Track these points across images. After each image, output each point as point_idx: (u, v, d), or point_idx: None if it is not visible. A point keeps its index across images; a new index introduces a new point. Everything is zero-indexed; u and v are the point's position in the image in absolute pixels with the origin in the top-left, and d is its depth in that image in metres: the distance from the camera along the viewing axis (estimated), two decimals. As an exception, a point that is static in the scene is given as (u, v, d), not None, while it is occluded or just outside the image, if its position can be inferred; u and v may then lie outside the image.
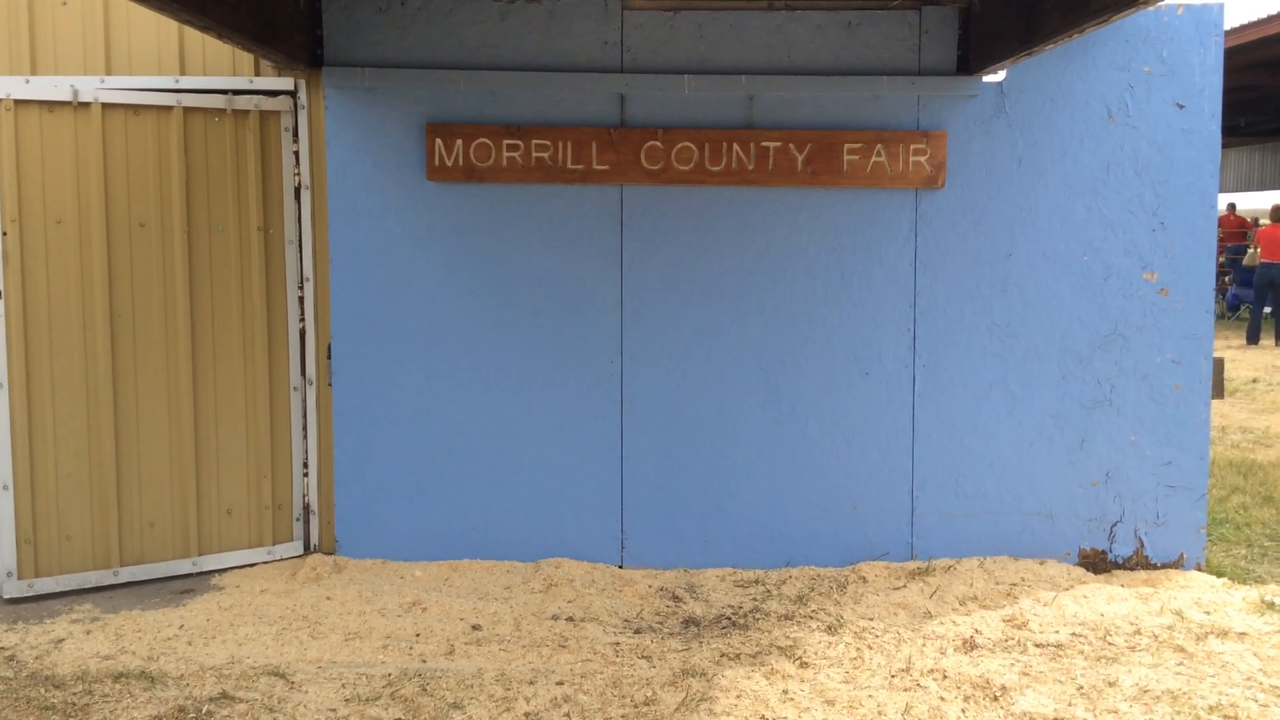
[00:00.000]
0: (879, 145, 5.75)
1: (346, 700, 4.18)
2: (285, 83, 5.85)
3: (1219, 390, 5.97)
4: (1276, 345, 16.17)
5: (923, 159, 5.75)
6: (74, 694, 4.19)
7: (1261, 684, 4.28)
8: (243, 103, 5.78)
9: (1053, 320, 5.83)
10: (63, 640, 4.85)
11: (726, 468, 5.92)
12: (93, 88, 5.52)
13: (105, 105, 5.53)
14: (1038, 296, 5.83)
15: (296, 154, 5.89)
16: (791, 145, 5.75)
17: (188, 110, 5.67)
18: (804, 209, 5.86)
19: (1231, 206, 21.10)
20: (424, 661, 4.68)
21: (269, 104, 5.83)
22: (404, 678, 4.38)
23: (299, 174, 5.90)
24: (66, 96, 5.47)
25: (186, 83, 5.73)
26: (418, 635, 4.96)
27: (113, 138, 5.56)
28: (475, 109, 5.82)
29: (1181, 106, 5.75)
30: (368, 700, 4.18)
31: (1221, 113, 5.77)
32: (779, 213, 5.85)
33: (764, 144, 5.75)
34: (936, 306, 5.85)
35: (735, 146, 5.76)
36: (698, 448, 5.94)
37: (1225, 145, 6.60)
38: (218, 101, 5.73)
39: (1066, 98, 5.77)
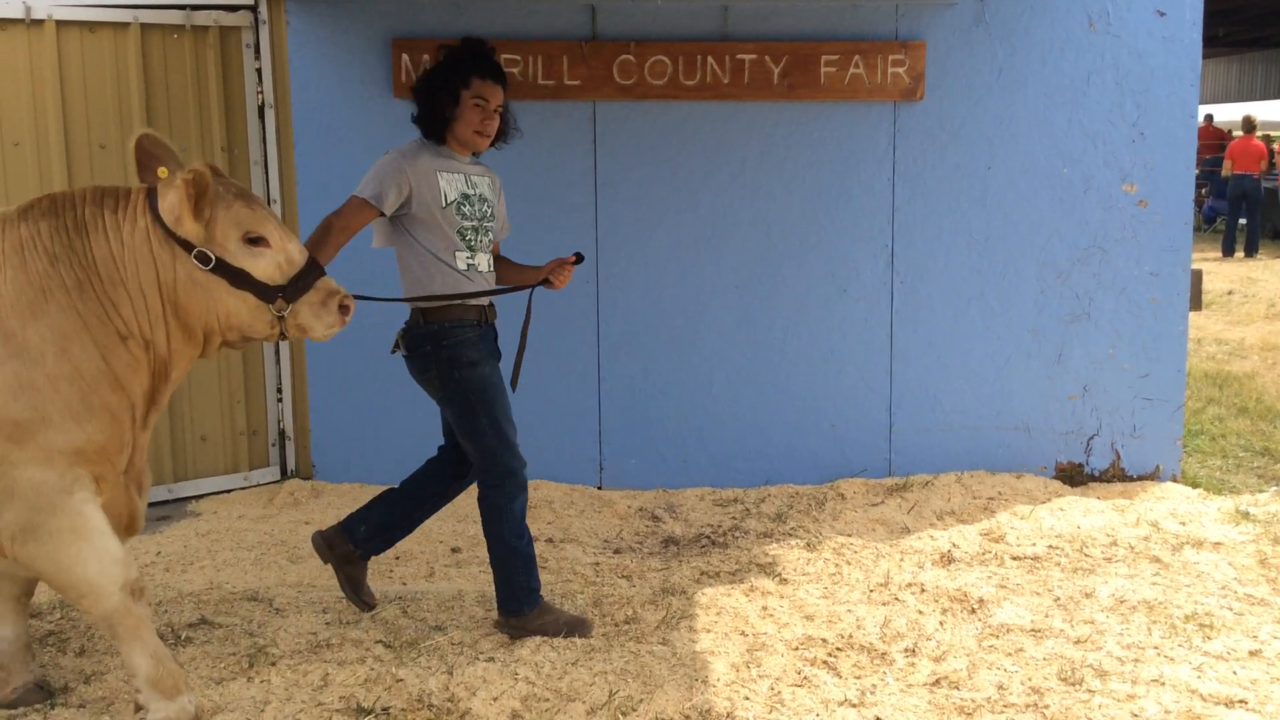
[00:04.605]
0: (857, 56, 5.64)
1: (327, 624, 4.17)
2: (245, -3, 5.67)
3: (1197, 302, 5.97)
4: (1248, 257, 16.23)
5: (901, 70, 5.64)
6: (51, 623, 4.16)
7: (1236, 593, 4.32)
8: (201, 19, 5.59)
9: (1032, 234, 5.79)
10: (38, 570, 4.81)
11: (704, 388, 5.89)
12: (46, 4, 5.32)
13: (59, 22, 5.34)
14: (1017, 210, 5.78)
15: (259, 72, 5.73)
16: (767, 57, 5.63)
17: (145, 26, 5.49)
18: (780, 123, 5.76)
19: (1209, 118, 21.03)
20: (404, 584, 4.68)
21: (229, 19, 5.65)
22: (384, 600, 4.37)
23: (262, 92, 5.74)
24: (19, 14, 5.28)
25: (143, -2, 5.54)
26: (397, 558, 4.94)
27: (69, 56, 5.38)
28: (442, 22, 5.65)
29: (1163, 14, 5.65)
30: (348, 624, 4.17)
31: (1203, 21, 5.69)
32: (755, 128, 5.75)
33: (739, 56, 5.63)
34: (914, 222, 5.79)
35: (710, 59, 5.63)
36: (675, 368, 5.90)
37: (1204, 56, 6.48)
38: (176, 17, 5.54)
39: (1047, 5, 5.65)
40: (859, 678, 3.70)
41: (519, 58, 5.62)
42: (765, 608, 4.31)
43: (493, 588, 4.17)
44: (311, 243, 3.82)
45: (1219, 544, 4.84)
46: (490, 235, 4.13)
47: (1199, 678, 3.60)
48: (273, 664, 3.78)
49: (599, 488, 5.91)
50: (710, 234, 5.81)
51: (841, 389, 5.89)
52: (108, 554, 3.14)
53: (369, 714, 3.44)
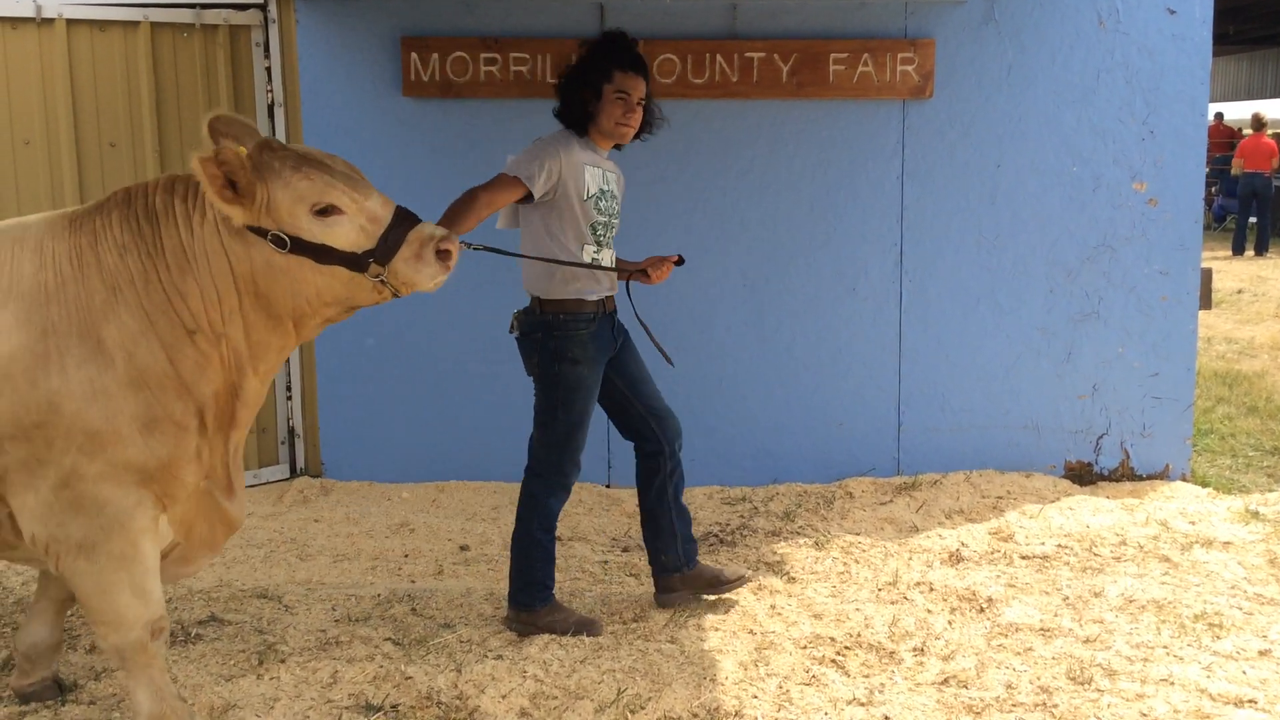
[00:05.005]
0: (865, 55, 5.63)
1: (336, 621, 4.18)
2: (255, -4, 5.69)
3: (1206, 301, 5.94)
4: (1258, 256, 16.17)
5: (910, 68, 5.63)
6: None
7: (1246, 592, 4.31)
8: (211, 17, 5.61)
9: (1041, 232, 5.77)
10: (48, 567, 4.82)
11: (712, 386, 5.89)
12: (57, 2, 5.34)
13: (70, 21, 5.36)
14: (1026, 208, 5.76)
15: (268, 70, 5.74)
16: (776, 56, 5.62)
17: (155, 25, 5.50)
18: (789, 122, 5.75)
19: (1219, 116, 20.93)
20: (413, 582, 4.68)
21: (238, 18, 5.67)
22: (393, 598, 4.38)
23: (271, 91, 5.76)
24: (29, 12, 5.29)
25: (152, -3, 5.56)
26: (406, 556, 4.96)
27: (79, 55, 5.40)
28: (451, 20, 5.66)
29: (1173, 12, 5.63)
30: (358, 621, 4.18)
31: (1213, 19, 5.67)
32: (763, 126, 5.74)
33: (748, 55, 5.63)
34: (923, 220, 5.78)
35: (719, 58, 5.63)
36: (683, 366, 5.86)
37: (1214, 54, 6.45)
38: (185, 16, 5.56)
39: (1056, 3, 5.64)
40: (867, 676, 3.70)
41: (527, 56, 5.62)
42: (773, 606, 4.30)
43: (501, 586, 4.18)
44: (452, 211, 3.81)
45: (1228, 543, 4.82)
46: (614, 233, 4.16)
47: (1208, 677, 3.59)
48: (282, 661, 3.80)
49: (607, 486, 5.91)
50: (718, 232, 5.80)
51: (850, 388, 5.88)
52: (143, 590, 3.05)
53: (378, 711, 3.45)
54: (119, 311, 2.96)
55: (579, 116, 4.03)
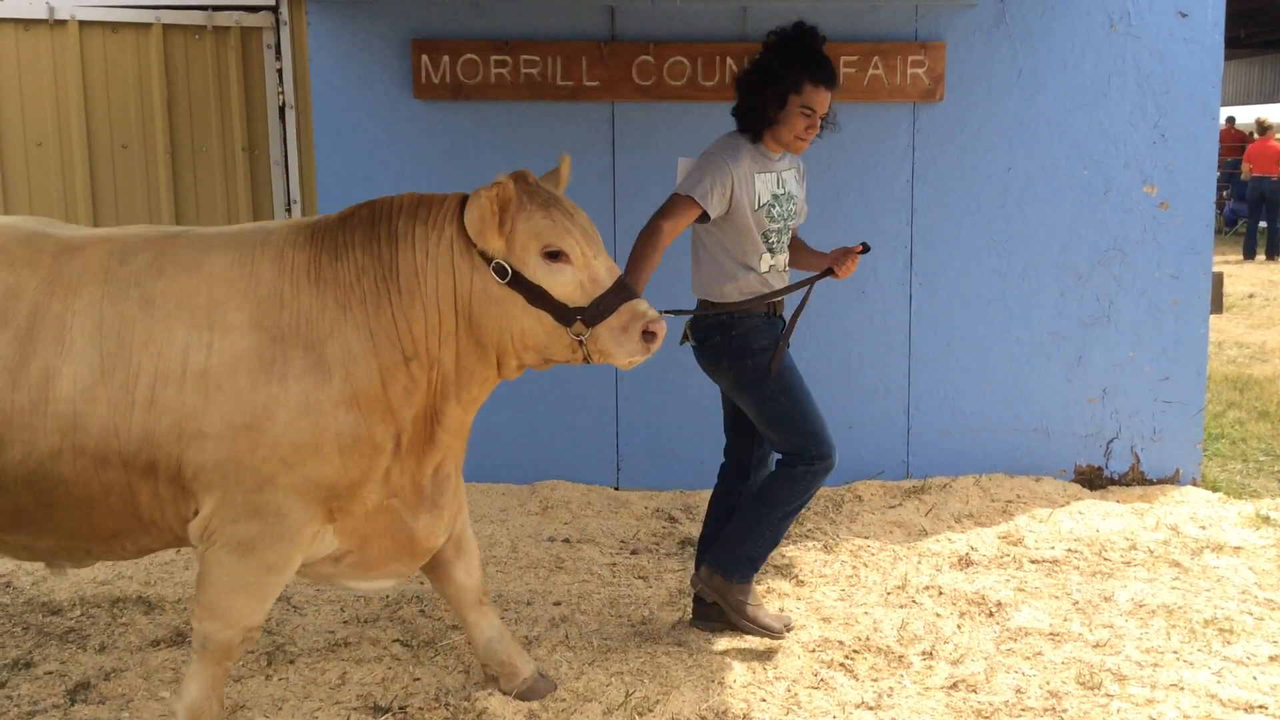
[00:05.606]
0: (876, 57, 5.62)
1: (345, 622, 4.18)
2: (266, -2, 5.72)
3: (1218, 305, 5.92)
4: (1269, 260, 16.11)
5: (920, 71, 5.63)
6: (72, 620, 4.19)
7: (1256, 597, 4.30)
8: (223, 19, 5.63)
9: (1051, 235, 5.76)
10: (59, 566, 4.84)
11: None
12: (69, 4, 5.37)
13: (82, 23, 5.39)
14: (1036, 212, 5.75)
15: (280, 72, 5.77)
16: (787, 59, 5.61)
17: (167, 27, 5.53)
18: (799, 124, 5.74)
19: (1230, 120, 20.85)
20: (422, 583, 4.68)
21: (250, 20, 5.69)
22: (402, 600, 4.38)
23: (283, 93, 5.78)
24: (42, 14, 5.33)
25: (165, -1, 5.59)
26: (414, 558, 4.96)
27: (91, 57, 5.43)
28: (462, 23, 5.67)
29: (1184, 15, 5.62)
30: (366, 622, 4.18)
31: (1224, 22, 5.65)
32: (774, 128, 5.73)
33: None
34: (933, 223, 5.77)
35: (729, 60, 5.62)
36: (692, 368, 5.87)
37: (1225, 57, 6.45)
38: (197, 18, 5.59)
39: (1067, 6, 5.63)
40: (876, 680, 3.69)
41: (538, 58, 5.63)
42: (782, 609, 4.30)
43: (509, 588, 4.18)
44: (641, 248, 3.72)
45: (1239, 548, 4.81)
46: (790, 234, 4.06)
47: (1218, 683, 3.58)
48: (291, 662, 3.80)
49: (616, 488, 5.91)
50: (728, 235, 5.79)
51: (859, 390, 5.87)
52: (266, 599, 3.09)
53: (386, 712, 3.45)
54: (345, 330, 3.00)
55: (756, 121, 3.86)
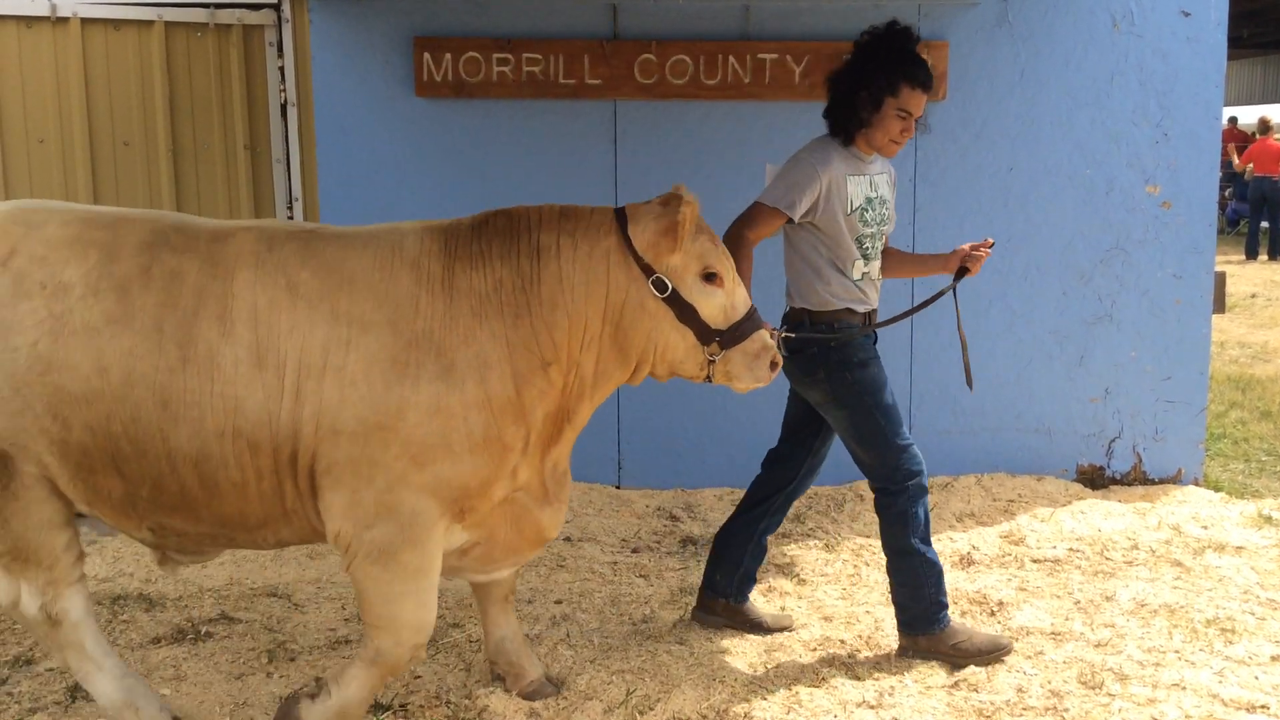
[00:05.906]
0: (879, 56, 5.60)
1: (346, 620, 4.18)
2: (268, -5, 5.71)
3: (1220, 305, 5.92)
4: (1272, 260, 16.10)
5: (923, 70, 5.61)
6: (72, 617, 4.18)
7: (1258, 597, 4.29)
8: (225, 16, 5.63)
9: (1054, 235, 5.75)
10: (60, 564, 4.83)
11: (723, 388, 5.84)
12: (72, 1, 5.37)
13: (84, 20, 5.39)
14: (1039, 211, 5.74)
15: (282, 70, 5.77)
16: (789, 57, 5.61)
17: (169, 25, 5.53)
18: (802, 123, 5.70)
19: (1233, 120, 20.85)
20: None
21: (252, 18, 5.69)
22: (402, 598, 4.37)
23: (285, 91, 5.78)
24: (44, 11, 5.32)
25: (167, -4, 5.59)
26: (415, 556, 4.95)
27: (93, 54, 5.43)
28: (464, 21, 5.66)
29: (1187, 14, 5.61)
30: (366, 620, 4.18)
31: (1227, 22, 5.64)
32: (776, 127, 5.73)
33: (760, 56, 5.62)
34: (936, 222, 5.76)
35: (731, 59, 5.62)
36: (694, 367, 5.88)
37: (1228, 58, 6.43)
38: (199, 15, 5.59)
39: (1070, 5, 5.62)
40: (877, 679, 3.69)
41: (540, 57, 5.62)
42: (783, 608, 4.30)
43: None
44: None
45: (1241, 548, 4.80)
46: (884, 240, 3.94)
47: (1220, 682, 3.58)
48: (292, 659, 3.80)
49: (617, 486, 5.91)
50: (730, 234, 5.79)
51: (861, 390, 5.86)
52: (426, 603, 3.11)
53: (387, 710, 3.45)
54: (480, 338, 3.04)
55: (849, 122, 3.76)
